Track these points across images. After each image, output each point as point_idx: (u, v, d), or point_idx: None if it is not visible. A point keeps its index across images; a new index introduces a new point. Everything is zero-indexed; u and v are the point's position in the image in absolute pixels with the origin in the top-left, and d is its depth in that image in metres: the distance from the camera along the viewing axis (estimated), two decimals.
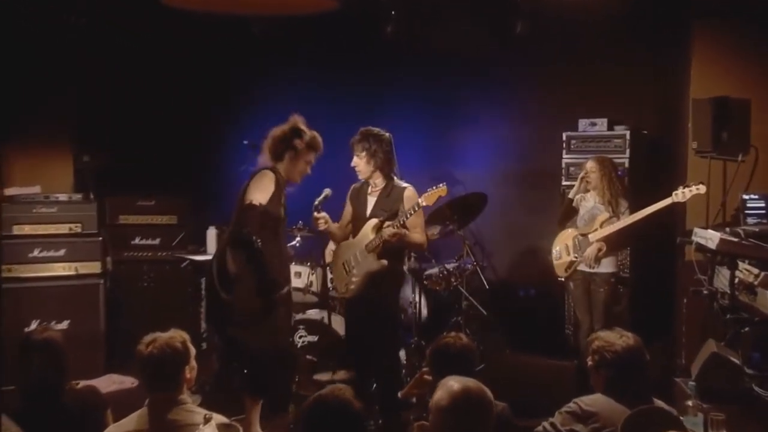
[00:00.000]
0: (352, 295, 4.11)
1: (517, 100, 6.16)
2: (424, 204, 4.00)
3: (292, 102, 6.35)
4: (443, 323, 5.45)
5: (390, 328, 4.19)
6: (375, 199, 4.15)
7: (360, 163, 4.08)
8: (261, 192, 3.55)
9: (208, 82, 6.23)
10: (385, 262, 4.09)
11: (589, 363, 2.81)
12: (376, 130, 4.11)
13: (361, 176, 4.13)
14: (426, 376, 2.97)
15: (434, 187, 4.00)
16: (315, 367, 4.77)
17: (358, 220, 4.15)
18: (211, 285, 3.62)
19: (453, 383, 2.23)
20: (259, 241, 3.45)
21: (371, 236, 4.08)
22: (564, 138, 5.60)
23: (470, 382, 2.24)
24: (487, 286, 5.51)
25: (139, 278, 5.55)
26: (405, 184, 4.19)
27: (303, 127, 3.77)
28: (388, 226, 4.01)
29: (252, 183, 3.60)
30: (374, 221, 4.10)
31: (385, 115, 6.11)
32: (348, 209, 4.26)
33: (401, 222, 3.99)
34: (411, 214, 3.99)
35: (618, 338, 2.75)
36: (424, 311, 5.42)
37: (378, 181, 4.15)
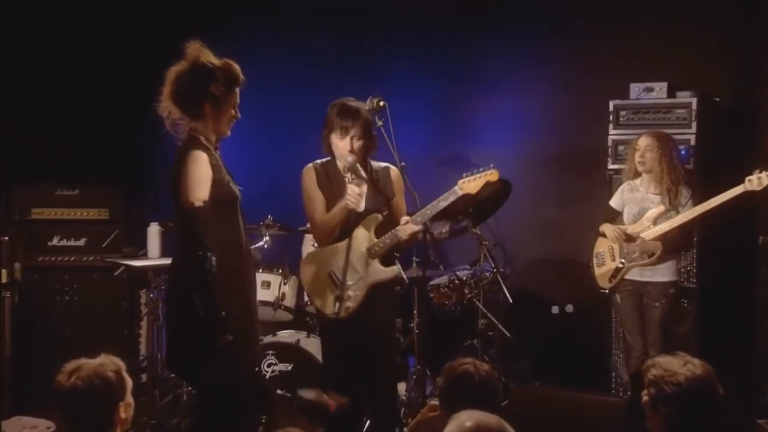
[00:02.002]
0: (349, 314, 4.08)
1: (552, 59, 6.15)
2: (462, 193, 4.01)
3: (265, 63, 6.45)
4: (454, 348, 5.44)
5: (394, 353, 4.19)
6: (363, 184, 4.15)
7: (350, 146, 4.06)
8: (199, 185, 3.39)
9: (153, 39, 6.19)
10: (396, 268, 4.12)
11: (644, 398, 2.80)
12: (361, 104, 4.10)
13: (343, 161, 4.11)
14: (432, 412, 2.97)
15: (477, 172, 4.01)
16: (289, 402, 4.77)
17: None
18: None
19: (466, 418, 2.22)
20: (213, 259, 3.31)
21: (373, 237, 4.08)
22: (611, 108, 5.60)
23: (489, 418, 2.24)
24: (511, 300, 5.51)
25: (58, 290, 5.50)
26: (384, 163, 4.23)
27: (210, 59, 3.49)
28: (408, 222, 4.01)
29: (183, 176, 3.41)
30: (375, 217, 4.09)
31: (380, 77, 6.15)
32: (319, 203, 4.19)
33: (426, 216, 4.01)
34: (441, 205, 4.01)
35: (681, 366, 2.74)
36: (429, 332, 5.41)
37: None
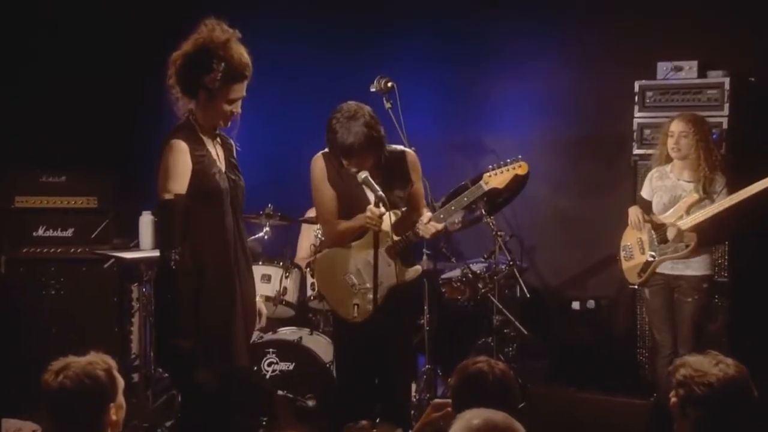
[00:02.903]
0: (369, 317, 4.10)
1: (572, 36, 6.13)
2: (488, 188, 4.02)
3: (264, 42, 6.40)
4: (467, 346, 5.45)
5: (411, 354, 4.26)
6: (378, 179, 4.10)
7: (362, 168, 4.06)
8: (172, 178, 3.38)
9: (148, 23, 6.21)
10: (419, 268, 4.15)
11: (672, 400, 2.79)
12: (363, 112, 4.00)
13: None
14: (436, 412, 2.98)
15: (504, 164, 4.00)
16: (292, 405, 4.79)
17: (354, 213, 4.10)
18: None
19: (473, 416, 2.22)
20: (176, 254, 3.33)
21: (391, 235, 4.07)
22: (637, 89, 5.58)
23: (497, 415, 2.24)
24: (528, 296, 5.50)
25: (44, 284, 5.50)
26: (399, 147, 4.20)
27: (216, 47, 3.40)
28: (430, 220, 4.00)
29: (159, 165, 3.43)
30: (394, 214, 4.04)
31: (388, 57, 6.13)
32: (328, 199, 4.17)
33: (450, 213, 4.05)
34: (465, 201, 4.03)
35: (713, 366, 2.72)
36: (441, 329, 5.42)
37: None
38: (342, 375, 4.33)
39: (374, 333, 4.09)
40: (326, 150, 4.16)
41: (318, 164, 4.15)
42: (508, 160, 4.03)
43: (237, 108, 3.52)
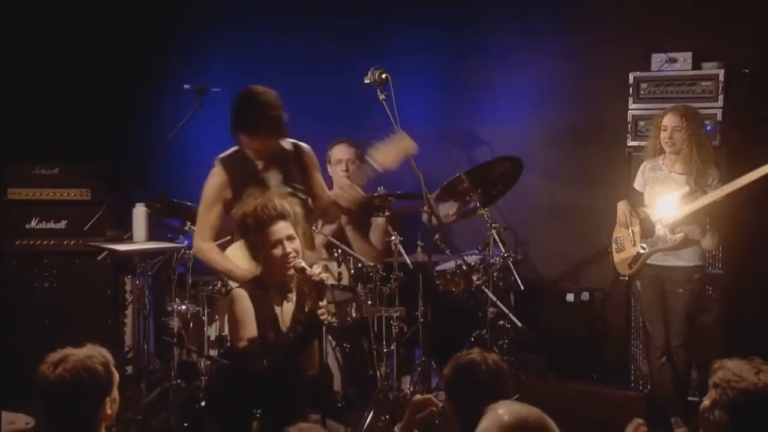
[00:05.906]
0: None
1: (566, 27, 6.13)
2: (380, 168, 4.18)
3: (255, 33, 6.44)
4: (461, 338, 5.47)
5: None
6: (278, 171, 4.18)
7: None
8: (241, 327, 3.60)
9: (137, 14, 6.20)
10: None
11: (705, 402, 2.72)
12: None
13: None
14: (418, 413, 2.97)
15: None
16: None
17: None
18: None
19: (503, 412, 2.22)
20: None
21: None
22: (631, 80, 5.59)
23: (532, 412, 2.23)
24: (523, 288, 5.52)
25: (37, 276, 5.53)
26: (292, 140, 4.28)
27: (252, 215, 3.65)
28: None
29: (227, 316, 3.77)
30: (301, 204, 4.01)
31: (382, 49, 6.12)
32: (216, 215, 4.20)
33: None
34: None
35: (752, 374, 2.63)
36: (435, 321, 5.43)
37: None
38: None
39: None
40: (222, 157, 4.19)
41: (216, 178, 4.17)
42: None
43: (287, 248, 3.61)
